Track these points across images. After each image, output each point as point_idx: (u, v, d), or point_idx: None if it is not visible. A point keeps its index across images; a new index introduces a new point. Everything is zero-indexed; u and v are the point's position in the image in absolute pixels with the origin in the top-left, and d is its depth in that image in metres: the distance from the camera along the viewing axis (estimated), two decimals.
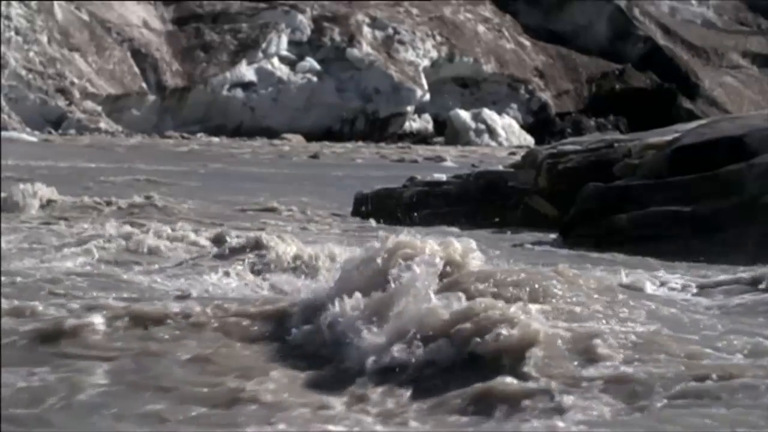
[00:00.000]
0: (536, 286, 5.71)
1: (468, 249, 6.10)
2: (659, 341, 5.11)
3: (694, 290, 7.42)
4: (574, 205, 12.09)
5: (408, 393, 4.69)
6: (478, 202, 14.45)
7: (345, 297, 5.53)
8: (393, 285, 5.50)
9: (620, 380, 4.59)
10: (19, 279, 7.55)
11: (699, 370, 4.67)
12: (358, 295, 5.55)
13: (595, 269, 8.69)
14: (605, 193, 11.98)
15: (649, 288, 7.47)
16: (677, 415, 4.17)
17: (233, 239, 9.41)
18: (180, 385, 4.82)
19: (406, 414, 4.47)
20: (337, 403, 4.60)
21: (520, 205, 14.16)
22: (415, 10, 58.80)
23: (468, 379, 4.71)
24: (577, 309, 5.55)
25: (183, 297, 6.63)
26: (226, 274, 7.87)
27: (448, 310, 5.28)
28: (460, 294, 5.48)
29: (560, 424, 4.12)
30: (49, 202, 13.84)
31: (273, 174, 26.23)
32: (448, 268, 5.85)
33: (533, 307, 5.42)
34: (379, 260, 5.88)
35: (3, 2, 49.17)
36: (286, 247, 8.73)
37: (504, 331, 5.00)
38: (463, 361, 4.94)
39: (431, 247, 5.95)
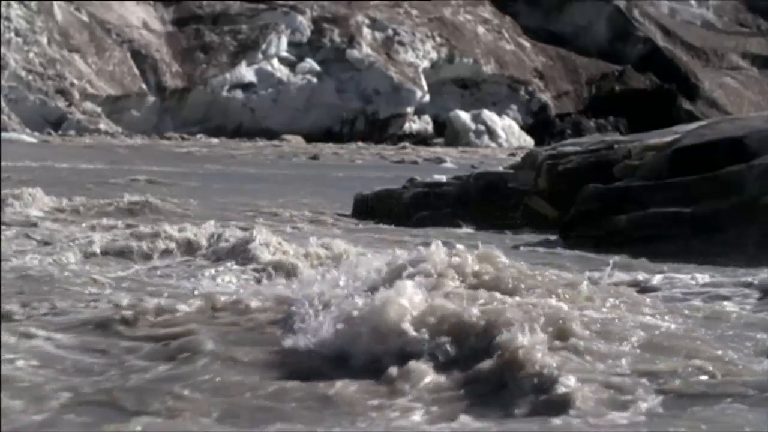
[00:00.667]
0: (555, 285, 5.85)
1: (491, 255, 6.28)
2: (669, 340, 5.10)
3: (698, 290, 7.41)
4: (574, 205, 12.08)
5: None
6: (478, 203, 14.43)
7: (322, 291, 5.85)
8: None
9: (635, 377, 4.57)
10: (31, 272, 7.60)
11: (712, 368, 4.65)
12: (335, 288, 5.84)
13: (595, 270, 8.66)
14: (605, 194, 11.96)
15: (652, 288, 7.46)
16: (717, 415, 4.12)
17: (232, 239, 9.41)
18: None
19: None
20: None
21: (520, 206, 14.15)
22: (414, 11, 58.82)
23: (468, 373, 4.69)
24: (592, 304, 5.62)
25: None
26: (227, 272, 7.86)
27: (435, 303, 5.32)
28: (423, 282, 5.61)
29: (573, 421, 4.07)
30: (52, 209, 13.80)
31: (273, 175, 26.22)
32: (483, 275, 5.96)
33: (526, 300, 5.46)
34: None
35: (3, 3, 49.16)
36: (285, 246, 8.73)
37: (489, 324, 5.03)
38: (460, 355, 4.91)
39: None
